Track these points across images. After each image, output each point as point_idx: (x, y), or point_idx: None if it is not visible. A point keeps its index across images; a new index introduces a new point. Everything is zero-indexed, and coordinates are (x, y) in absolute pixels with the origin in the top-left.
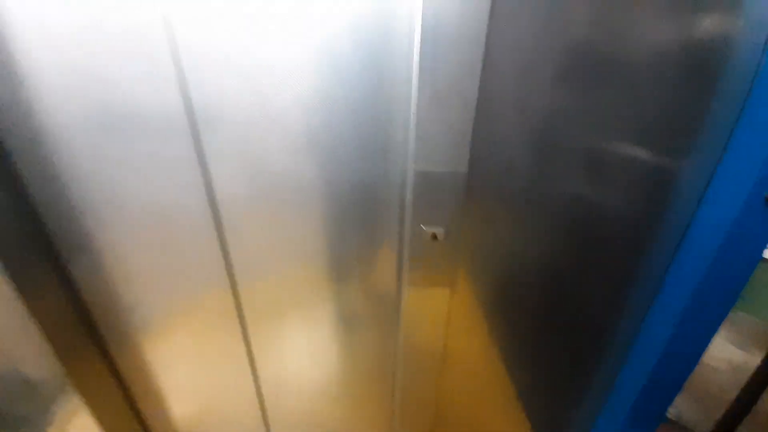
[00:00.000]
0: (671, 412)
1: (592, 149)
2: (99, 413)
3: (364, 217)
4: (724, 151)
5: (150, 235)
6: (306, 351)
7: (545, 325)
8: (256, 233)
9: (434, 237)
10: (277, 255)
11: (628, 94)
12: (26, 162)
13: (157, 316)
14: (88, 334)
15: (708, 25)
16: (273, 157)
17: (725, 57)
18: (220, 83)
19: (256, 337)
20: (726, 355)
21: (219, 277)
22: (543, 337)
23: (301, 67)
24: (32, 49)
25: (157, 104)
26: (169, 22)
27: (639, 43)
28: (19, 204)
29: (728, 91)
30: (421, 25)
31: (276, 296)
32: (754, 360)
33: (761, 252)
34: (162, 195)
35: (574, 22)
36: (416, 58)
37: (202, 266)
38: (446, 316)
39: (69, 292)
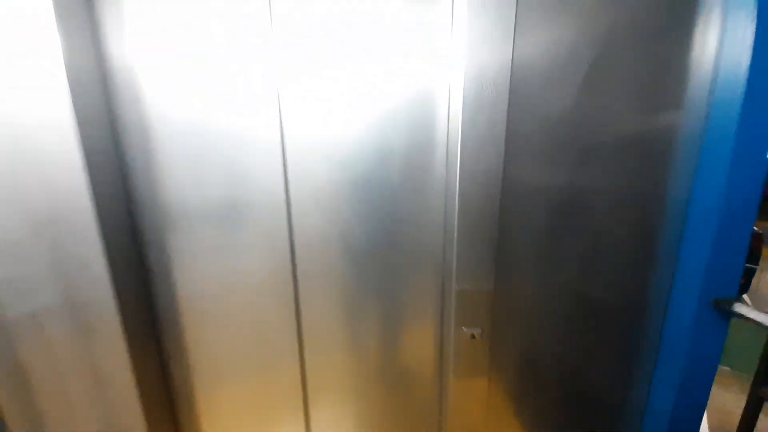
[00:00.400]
0: None
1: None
2: None
3: (413, 320)
4: (677, 260)
5: (234, 310)
6: (358, 427)
7: (564, 405)
8: (326, 311)
9: (473, 336)
10: (341, 334)
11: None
12: (150, 241)
13: (229, 385)
14: (168, 403)
15: (661, 121)
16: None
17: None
18: (315, 174)
19: (314, 409)
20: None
21: (291, 348)
22: (563, 416)
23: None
24: (169, 143)
25: (263, 192)
26: (282, 123)
27: (610, 133)
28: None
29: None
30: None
31: (336, 375)
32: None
33: (719, 349)
34: (252, 273)
35: (567, 135)
36: (457, 202)
37: (277, 336)
38: (485, 402)
39: (161, 362)
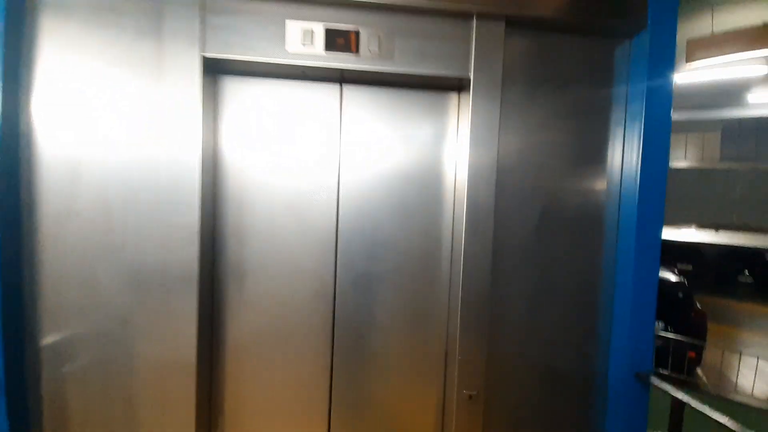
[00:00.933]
0: None
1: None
2: None
3: (424, 388)
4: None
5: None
6: None
7: None
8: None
9: (470, 397)
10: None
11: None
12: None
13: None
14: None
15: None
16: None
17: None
18: (360, 253)
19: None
20: None
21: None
22: None
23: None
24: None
25: (319, 269)
26: (338, 216)
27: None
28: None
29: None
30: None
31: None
32: None
33: (645, 410)
34: (297, 335)
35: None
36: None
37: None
38: None
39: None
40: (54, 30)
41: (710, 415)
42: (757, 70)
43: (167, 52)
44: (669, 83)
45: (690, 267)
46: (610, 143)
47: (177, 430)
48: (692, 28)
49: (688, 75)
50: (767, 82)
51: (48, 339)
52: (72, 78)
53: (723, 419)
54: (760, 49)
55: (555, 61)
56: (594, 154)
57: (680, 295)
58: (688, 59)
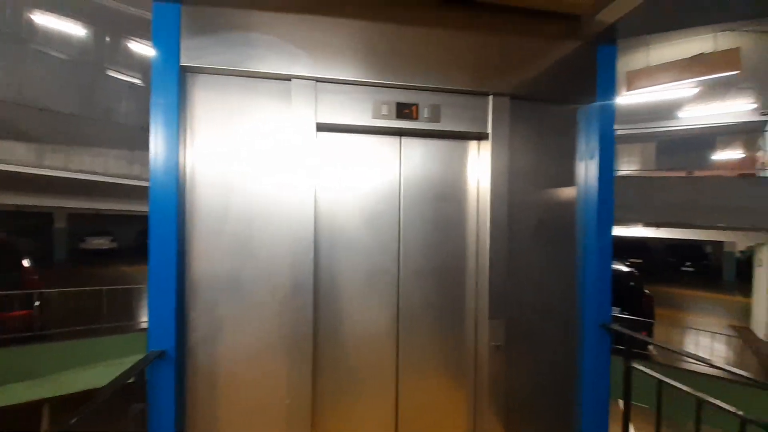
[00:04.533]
0: None
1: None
2: None
3: (462, 344)
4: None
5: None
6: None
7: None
8: (416, 330)
9: (497, 347)
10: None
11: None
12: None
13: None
14: None
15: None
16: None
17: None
18: (416, 253)
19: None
20: None
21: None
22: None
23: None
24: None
25: (388, 266)
26: (401, 228)
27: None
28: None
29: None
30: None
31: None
32: None
33: (609, 350)
34: (374, 308)
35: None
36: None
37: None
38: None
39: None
40: (208, 99)
41: (655, 376)
42: (685, 92)
43: (293, 118)
44: (612, 129)
45: (640, 260)
46: (578, 170)
47: (297, 389)
48: (630, 61)
49: (630, 98)
50: (693, 101)
51: (200, 326)
52: (223, 132)
53: (667, 379)
54: (686, 78)
55: (541, 119)
56: (568, 178)
57: (632, 283)
58: (628, 88)
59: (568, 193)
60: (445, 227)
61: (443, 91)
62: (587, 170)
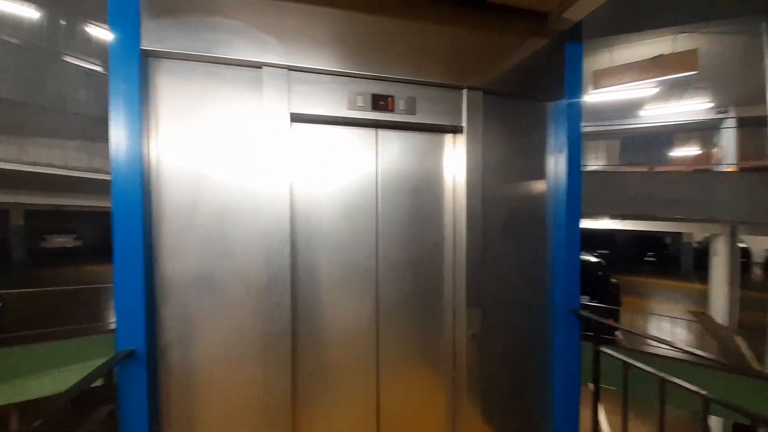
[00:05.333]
0: None
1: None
2: None
3: (440, 331)
4: (554, 296)
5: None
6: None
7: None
8: (395, 321)
9: (473, 336)
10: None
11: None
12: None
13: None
14: None
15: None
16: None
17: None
18: (393, 245)
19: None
20: None
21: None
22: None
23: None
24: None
25: (365, 258)
26: (377, 219)
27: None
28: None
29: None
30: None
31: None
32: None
33: (579, 334)
34: (354, 298)
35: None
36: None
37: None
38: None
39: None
40: (173, 86)
41: (622, 359)
42: (646, 92)
43: (265, 108)
44: (579, 126)
45: (607, 251)
46: (548, 164)
47: (276, 388)
48: (596, 61)
49: (595, 96)
50: (654, 100)
51: (172, 325)
52: (190, 122)
53: (633, 361)
54: (647, 78)
55: (513, 114)
56: (539, 172)
57: (599, 273)
58: (594, 86)
59: (538, 186)
60: (422, 219)
61: (419, 84)
62: (557, 164)
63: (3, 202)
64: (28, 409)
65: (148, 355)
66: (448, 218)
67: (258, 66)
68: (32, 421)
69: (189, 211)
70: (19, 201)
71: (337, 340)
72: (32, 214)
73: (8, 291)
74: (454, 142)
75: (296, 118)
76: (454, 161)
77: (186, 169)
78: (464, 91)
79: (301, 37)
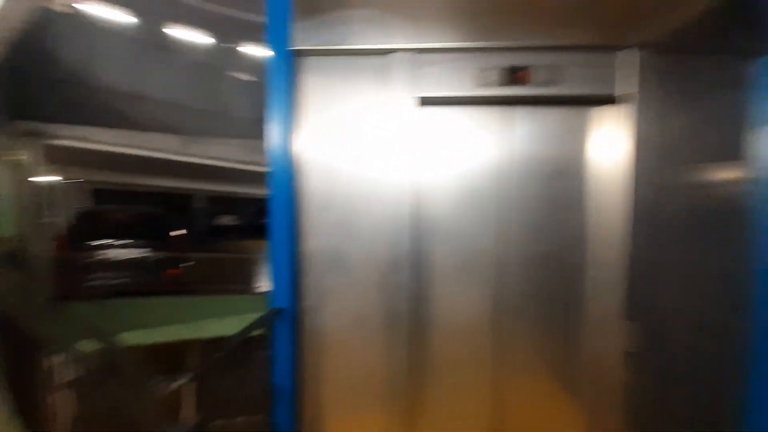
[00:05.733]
0: None
1: None
2: None
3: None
4: None
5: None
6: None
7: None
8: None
9: (631, 354)
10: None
11: None
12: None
13: None
14: None
15: None
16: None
17: None
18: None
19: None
20: None
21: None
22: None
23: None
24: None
25: (490, 251)
26: (505, 218)
27: None
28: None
29: None
30: None
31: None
32: None
33: None
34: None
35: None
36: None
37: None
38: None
39: None
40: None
41: None
42: None
43: (393, 94)
44: None
45: None
46: (746, 141)
47: (396, 359)
48: None
49: None
50: None
51: (311, 293)
52: (326, 116)
53: None
54: None
55: (692, 77)
56: (732, 152)
57: None
58: None
59: (732, 171)
60: (563, 210)
61: (560, 49)
62: (761, 143)
63: (188, 188)
64: (209, 344)
65: (293, 315)
66: (596, 208)
67: (385, 52)
68: (217, 353)
69: (324, 199)
70: (200, 188)
71: (451, 329)
72: (210, 199)
73: (197, 254)
74: (606, 117)
75: (423, 101)
76: (607, 140)
77: (322, 161)
78: (619, 53)
79: (427, 15)
